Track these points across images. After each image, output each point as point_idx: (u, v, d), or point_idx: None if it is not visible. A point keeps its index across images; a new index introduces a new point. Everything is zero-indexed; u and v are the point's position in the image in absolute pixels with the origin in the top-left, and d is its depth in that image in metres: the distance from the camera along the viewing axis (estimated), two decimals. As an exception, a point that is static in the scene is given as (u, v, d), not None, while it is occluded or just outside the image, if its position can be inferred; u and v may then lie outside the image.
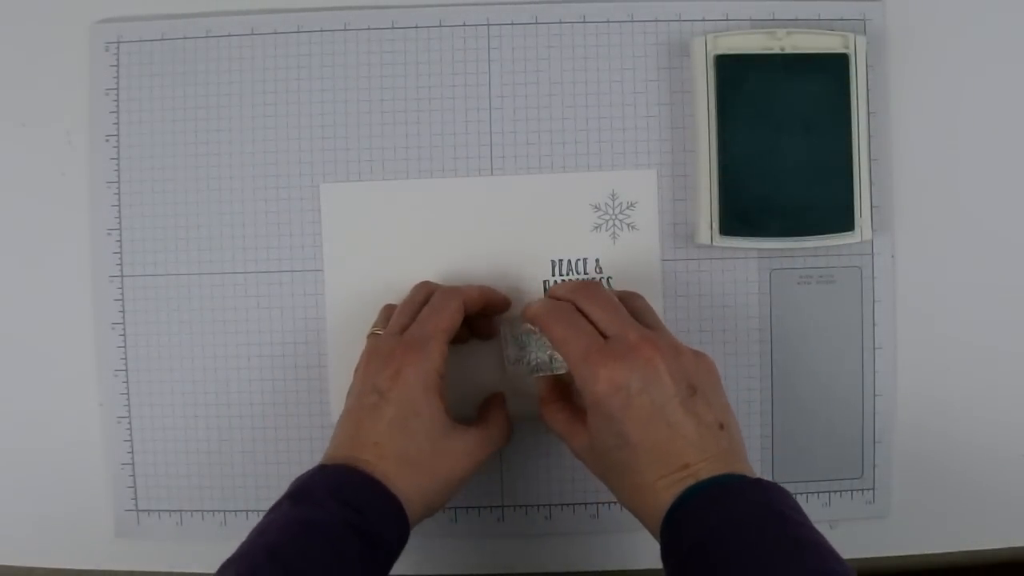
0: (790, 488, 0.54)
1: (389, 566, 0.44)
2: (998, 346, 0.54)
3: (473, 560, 0.55)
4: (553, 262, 0.54)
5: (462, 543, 0.54)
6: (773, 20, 0.53)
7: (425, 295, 0.50)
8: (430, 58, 0.54)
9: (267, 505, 0.44)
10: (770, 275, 0.54)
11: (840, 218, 0.51)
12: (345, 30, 0.54)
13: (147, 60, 0.54)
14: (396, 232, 0.54)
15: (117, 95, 0.54)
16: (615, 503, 0.54)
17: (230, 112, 0.54)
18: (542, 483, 0.54)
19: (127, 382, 0.54)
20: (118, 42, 0.54)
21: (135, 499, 0.55)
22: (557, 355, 0.49)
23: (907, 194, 0.54)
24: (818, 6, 0.53)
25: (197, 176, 0.54)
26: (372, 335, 0.49)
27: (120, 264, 0.54)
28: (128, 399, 0.54)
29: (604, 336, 0.44)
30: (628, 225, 0.54)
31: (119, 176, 0.54)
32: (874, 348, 0.54)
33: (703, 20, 0.53)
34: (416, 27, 0.53)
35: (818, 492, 0.54)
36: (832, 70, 0.51)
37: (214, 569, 0.41)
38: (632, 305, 0.47)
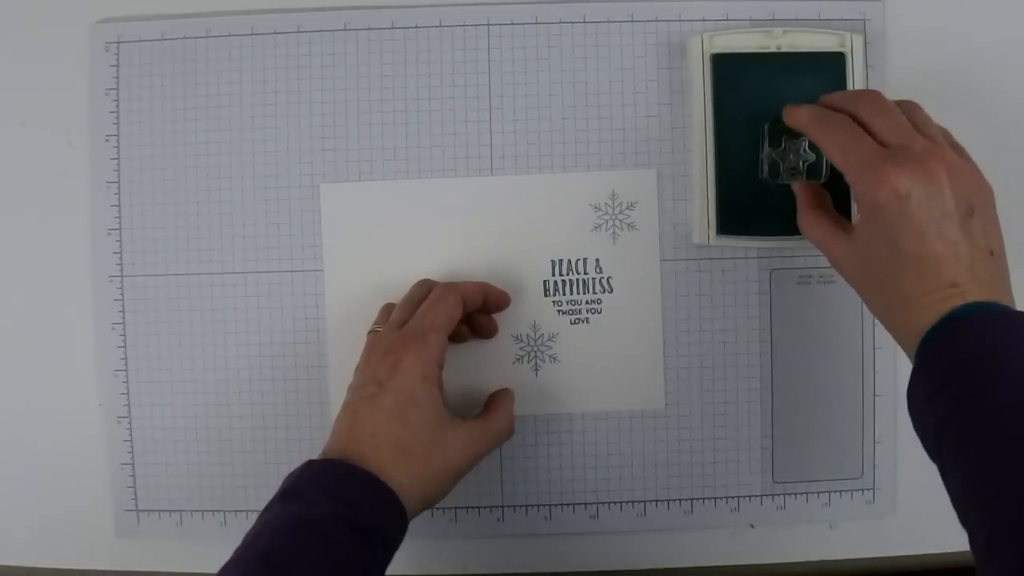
0: (790, 488, 0.54)
1: (388, 558, 0.44)
2: (998, 346, 0.54)
3: (473, 560, 0.55)
4: (553, 262, 0.54)
5: (462, 543, 0.54)
6: (773, 20, 0.53)
7: (425, 292, 0.50)
8: (430, 58, 0.53)
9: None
10: (770, 275, 0.54)
11: (839, 218, 0.51)
12: (345, 30, 0.54)
13: (147, 60, 0.54)
14: (396, 232, 0.54)
15: (117, 95, 0.54)
16: (615, 503, 0.54)
17: (230, 112, 0.54)
18: (542, 483, 0.54)
19: (127, 382, 0.54)
20: (118, 42, 0.54)
21: (135, 499, 0.55)
22: (814, 163, 0.47)
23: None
24: (818, 6, 0.53)
25: (197, 176, 0.54)
26: (372, 332, 0.49)
27: (120, 264, 0.54)
28: (128, 399, 0.54)
29: (883, 145, 0.42)
30: (628, 225, 0.53)
31: (119, 176, 0.54)
32: (874, 348, 0.54)
33: (703, 20, 0.53)
34: (416, 27, 0.53)
35: (818, 492, 0.54)
36: (829, 69, 0.51)
37: (214, 569, 0.41)
38: (913, 117, 0.44)
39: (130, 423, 0.54)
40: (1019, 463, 0.35)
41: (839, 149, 0.43)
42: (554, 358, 0.54)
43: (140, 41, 0.54)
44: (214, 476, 0.54)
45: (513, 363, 0.54)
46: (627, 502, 0.54)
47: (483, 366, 0.53)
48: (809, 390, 0.54)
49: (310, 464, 0.45)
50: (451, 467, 0.46)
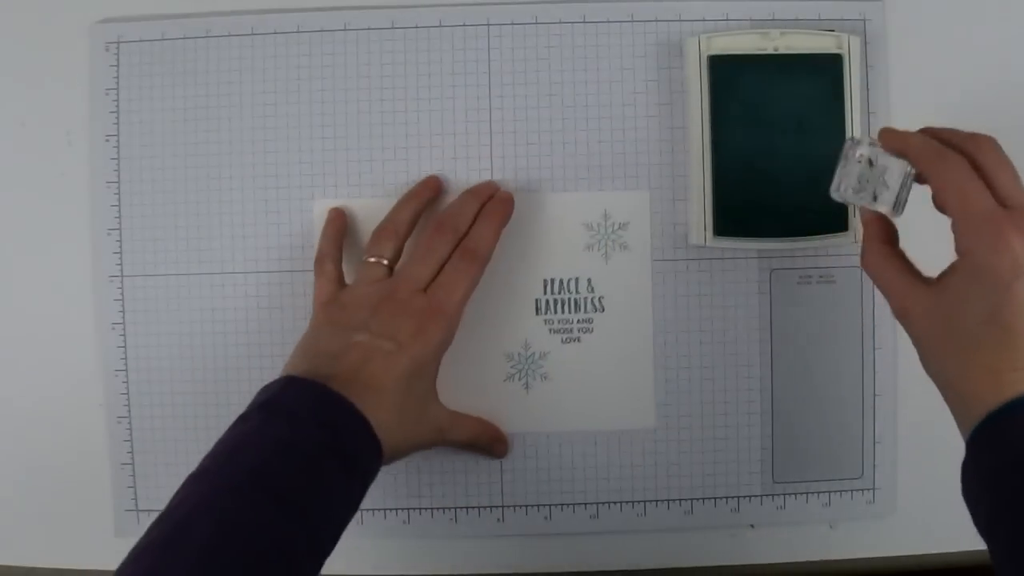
0: (790, 488, 0.54)
1: (364, 489, 0.44)
2: (998, 346, 0.54)
3: (473, 560, 0.55)
4: (545, 281, 0.53)
5: (462, 543, 0.54)
6: (773, 20, 0.53)
7: (412, 214, 0.51)
8: (430, 58, 0.53)
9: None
10: (770, 275, 0.54)
11: (834, 219, 0.51)
12: (345, 30, 0.54)
13: (147, 60, 0.54)
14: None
15: (117, 95, 0.54)
16: (615, 503, 0.54)
17: (230, 112, 0.54)
18: (542, 483, 0.54)
19: (127, 382, 0.54)
20: (118, 42, 0.54)
21: (135, 499, 0.54)
22: (889, 192, 0.43)
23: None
24: (818, 6, 0.53)
25: (197, 176, 0.54)
26: (369, 264, 0.50)
27: (120, 264, 0.54)
28: (128, 399, 0.54)
29: (1000, 202, 0.40)
30: (620, 245, 0.53)
31: (119, 176, 0.54)
32: (874, 348, 0.54)
33: (703, 20, 0.53)
34: (416, 27, 0.53)
35: (818, 492, 0.54)
36: (826, 71, 0.51)
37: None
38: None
39: (130, 423, 0.54)
40: None
41: (959, 195, 0.41)
42: (545, 376, 0.54)
43: (140, 41, 0.54)
44: (214, 476, 0.54)
45: (504, 381, 0.54)
46: (627, 502, 0.54)
47: (474, 384, 0.53)
48: (809, 390, 0.54)
49: (292, 381, 0.44)
50: (420, 442, 0.49)
